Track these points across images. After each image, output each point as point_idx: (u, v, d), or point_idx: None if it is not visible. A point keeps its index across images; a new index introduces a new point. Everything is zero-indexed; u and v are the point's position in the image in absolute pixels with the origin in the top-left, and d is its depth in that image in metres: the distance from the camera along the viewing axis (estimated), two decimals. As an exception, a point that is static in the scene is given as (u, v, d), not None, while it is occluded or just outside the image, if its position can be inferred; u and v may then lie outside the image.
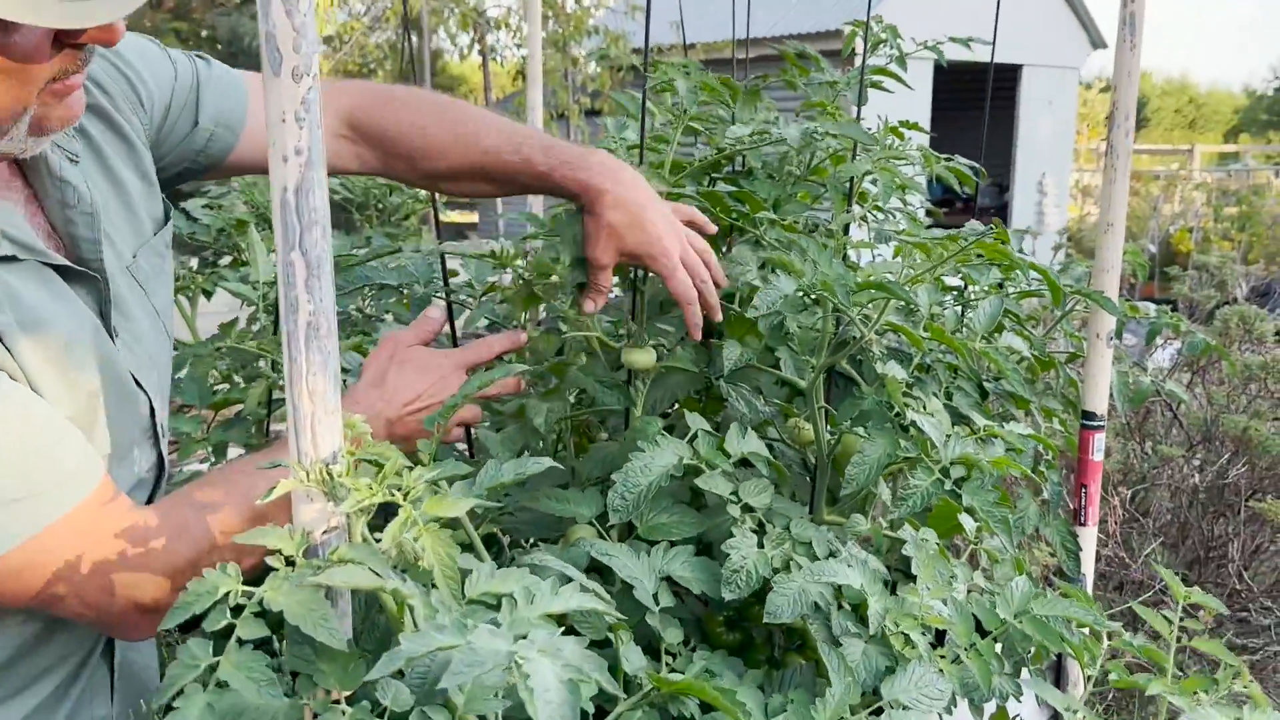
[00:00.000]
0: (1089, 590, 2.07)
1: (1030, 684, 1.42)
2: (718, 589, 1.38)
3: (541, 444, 1.75)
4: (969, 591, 1.56)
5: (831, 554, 1.49)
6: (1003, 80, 12.72)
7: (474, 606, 0.85)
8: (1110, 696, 2.57)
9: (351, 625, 0.94)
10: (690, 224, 1.55)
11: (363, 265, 1.64)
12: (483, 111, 1.54)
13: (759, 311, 1.34)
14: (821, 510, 1.63)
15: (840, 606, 1.44)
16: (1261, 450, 3.38)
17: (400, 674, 0.85)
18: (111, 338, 1.24)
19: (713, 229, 1.59)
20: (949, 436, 1.47)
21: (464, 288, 1.69)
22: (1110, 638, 1.36)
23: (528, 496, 1.50)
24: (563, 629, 0.84)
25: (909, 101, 1.86)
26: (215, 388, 1.87)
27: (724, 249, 1.77)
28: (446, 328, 1.66)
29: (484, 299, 1.58)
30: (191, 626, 0.83)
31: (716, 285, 1.54)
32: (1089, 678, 1.35)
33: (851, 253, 2.00)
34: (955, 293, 1.93)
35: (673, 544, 1.46)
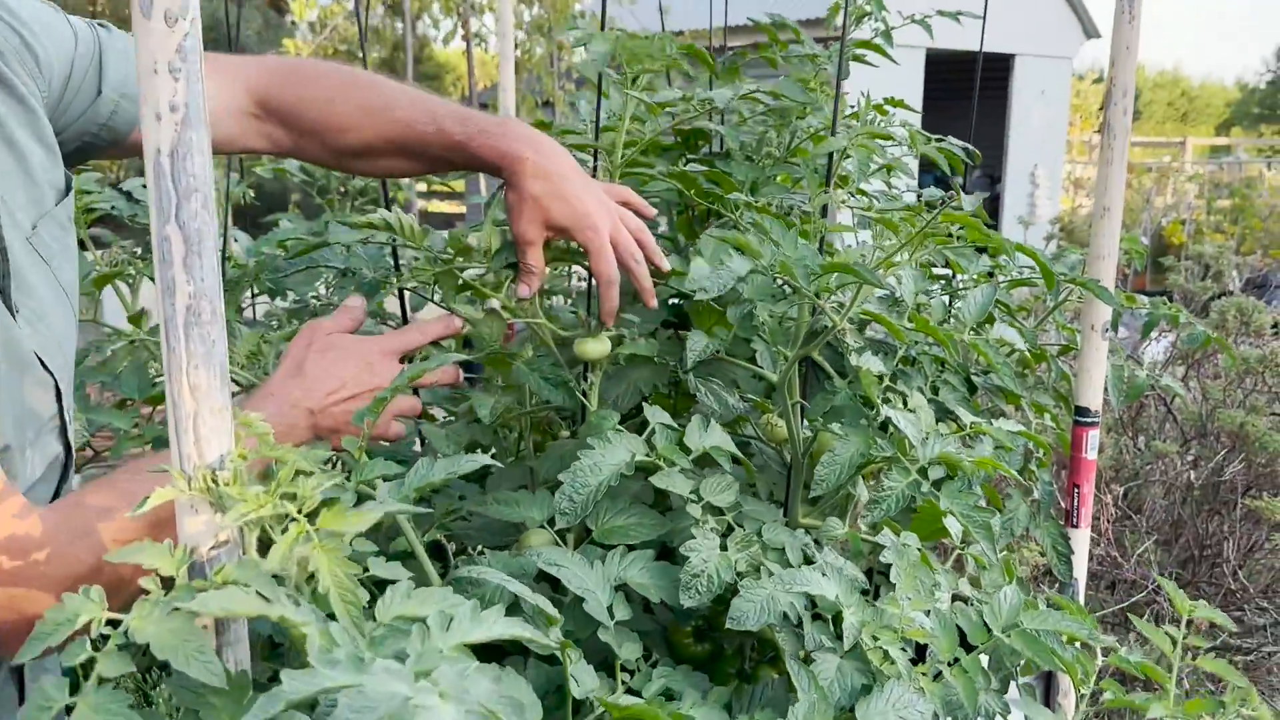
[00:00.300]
0: (1082, 593, 1.97)
1: (1019, 704, 1.31)
2: (679, 596, 1.28)
3: (496, 441, 1.64)
4: (953, 599, 1.46)
5: (807, 560, 1.39)
6: (996, 70, 12.61)
7: (389, 632, 0.75)
8: (1106, 716, 2.48)
9: (250, 652, 0.83)
10: (626, 205, 1.45)
11: (309, 249, 1.52)
12: (398, 84, 1.45)
13: (708, 294, 1.23)
14: (797, 512, 1.52)
15: (816, 617, 1.34)
16: (1258, 446, 3.29)
17: (313, 705, 0.74)
18: (12, 314, 1.13)
19: (651, 212, 1.49)
20: (928, 434, 1.36)
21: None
22: (1105, 653, 1.25)
23: (477, 500, 1.39)
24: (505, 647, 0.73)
25: (900, 91, 1.75)
26: (156, 379, 1.76)
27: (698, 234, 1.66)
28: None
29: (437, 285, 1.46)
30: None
31: (656, 270, 1.44)
32: (1082, 696, 1.25)
33: (837, 242, 1.90)
34: (943, 282, 1.83)
35: (631, 548, 1.35)
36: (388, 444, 1.41)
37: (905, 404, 1.45)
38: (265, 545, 0.81)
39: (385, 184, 1.65)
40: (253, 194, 2.05)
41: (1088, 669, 1.22)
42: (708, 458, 1.41)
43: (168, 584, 0.78)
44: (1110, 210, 1.74)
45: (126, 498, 0.98)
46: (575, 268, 1.67)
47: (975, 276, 1.71)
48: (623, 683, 1.20)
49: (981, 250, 1.88)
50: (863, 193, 1.77)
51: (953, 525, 1.39)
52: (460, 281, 1.43)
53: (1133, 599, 3.33)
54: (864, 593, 1.32)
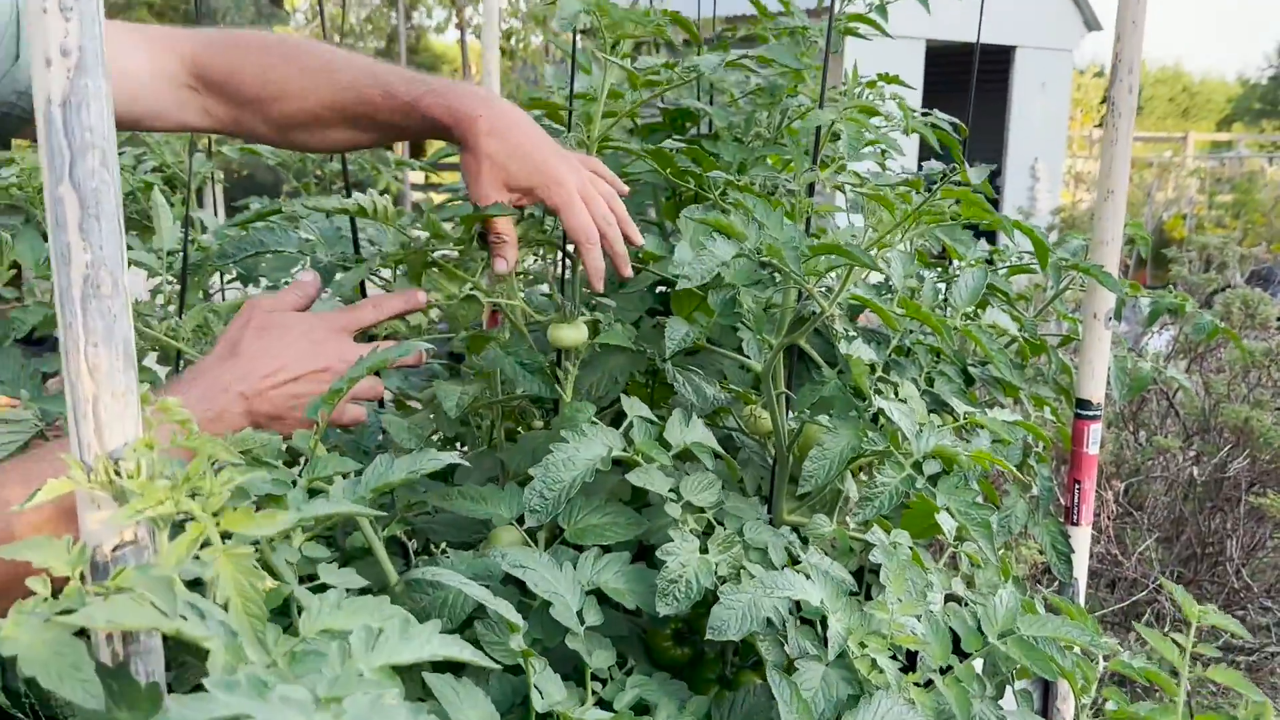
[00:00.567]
0: (1082, 594, 1.89)
1: (1016, 714, 1.24)
2: (656, 603, 1.20)
3: (466, 431, 1.56)
4: (946, 600, 1.38)
5: (792, 560, 1.31)
6: (996, 62, 12.50)
7: (312, 648, 0.66)
8: None
9: (163, 660, 0.75)
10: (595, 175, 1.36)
11: (253, 229, 1.44)
12: (342, 51, 1.35)
13: (691, 280, 1.14)
14: (782, 509, 1.44)
15: (802, 621, 1.26)
16: (1263, 442, 3.21)
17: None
18: None
19: (624, 188, 1.39)
20: (922, 426, 1.28)
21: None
22: (1107, 659, 1.17)
23: (441, 494, 1.31)
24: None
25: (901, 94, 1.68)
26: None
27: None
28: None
29: (400, 270, 1.38)
30: None
31: (628, 240, 1.34)
32: (1083, 706, 1.17)
33: (826, 225, 1.82)
34: (939, 269, 1.75)
35: (606, 549, 1.27)
36: (344, 431, 1.33)
37: (897, 394, 1.37)
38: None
39: (346, 165, 1.56)
40: (221, 174, 1.98)
41: (1089, 677, 1.14)
42: (687, 451, 1.33)
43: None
44: (1115, 193, 1.66)
45: (35, 483, 0.90)
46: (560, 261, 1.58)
47: (973, 262, 1.63)
48: (593, 693, 1.12)
49: (979, 235, 1.80)
50: (857, 176, 1.69)
51: (946, 522, 1.31)
52: (429, 262, 1.35)
53: (1133, 598, 3.26)
54: (852, 594, 1.24)
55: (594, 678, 1.14)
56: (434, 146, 1.99)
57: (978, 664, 1.27)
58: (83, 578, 0.66)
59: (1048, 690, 1.80)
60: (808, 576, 1.20)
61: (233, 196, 2.25)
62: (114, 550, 0.69)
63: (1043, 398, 1.89)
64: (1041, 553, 2.48)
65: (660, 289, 1.68)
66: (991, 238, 2.29)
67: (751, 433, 1.53)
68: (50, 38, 0.63)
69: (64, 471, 0.78)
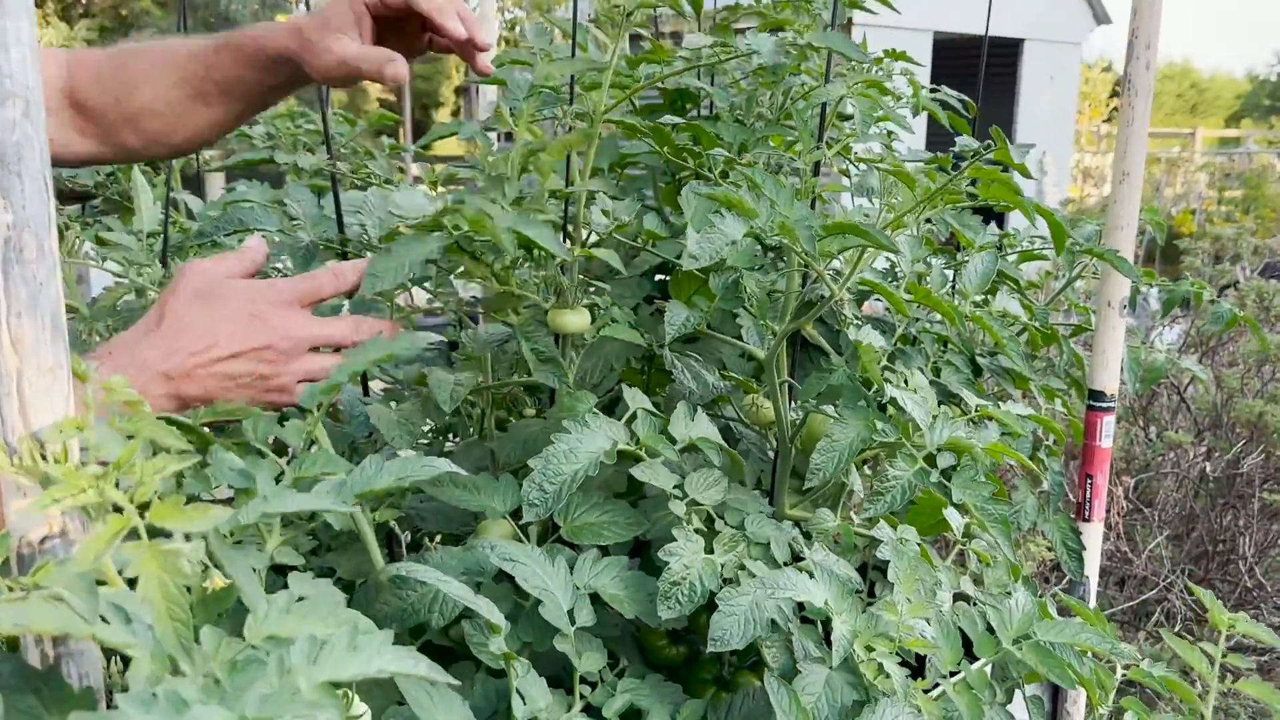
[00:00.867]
0: (1093, 592, 1.82)
1: (1029, 722, 1.17)
2: (657, 609, 1.13)
3: (454, 422, 1.49)
4: (955, 600, 1.31)
5: (795, 557, 1.25)
6: (1004, 55, 12.41)
7: (255, 655, 0.60)
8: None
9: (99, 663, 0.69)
10: None
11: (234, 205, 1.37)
12: (177, 36, 1.30)
13: (699, 260, 1.07)
14: (784, 502, 1.38)
15: (804, 621, 1.20)
16: (1277, 438, 3.13)
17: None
18: None
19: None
20: (935, 417, 1.21)
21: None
22: (1126, 668, 1.11)
23: (431, 480, 1.24)
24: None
25: (905, 82, 1.61)
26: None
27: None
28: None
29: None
30: None
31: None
32: (1100, 716, 1.10)
33: (836, 209, 1.75)
34: (947, 257, 1.68)
35: (604, 550, 1.20)
36: (333, 417, 1.25)
37: (906, 384, 1.30)
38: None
39: (330, 139, 1.50)
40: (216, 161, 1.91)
41: (1106, 686, 1.07)
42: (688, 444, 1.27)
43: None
44: (1130, 175, 1.59)
45: None
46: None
47: (983, 247, 1.56)
48: (582, 697, 1.06)
49: (987, 220, 1.73)
50: (867, 156, 1.63)
51: (954, 518, 1.24)
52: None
53: (1143, 596, 3.19)
54: (857, 593, 1.18)
55: (584, 680, 1.08)
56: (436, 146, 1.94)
57: (987, 668, 1.21)
58: (4, 571, 0.60)
59: (1057, 695, 1.74)
60: (811, 575, 1.13)
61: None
62: (42, 542, 0.62)
63: (1053, 389, 1.82)
64: (1050, 549, 2.41)
65: (659, 276, 1.61)
66: (999, 223, 2.23)
67: (752, 423, 1.47)
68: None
69: None
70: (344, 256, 1.39)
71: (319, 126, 2.15)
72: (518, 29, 9.46)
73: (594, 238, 1.45)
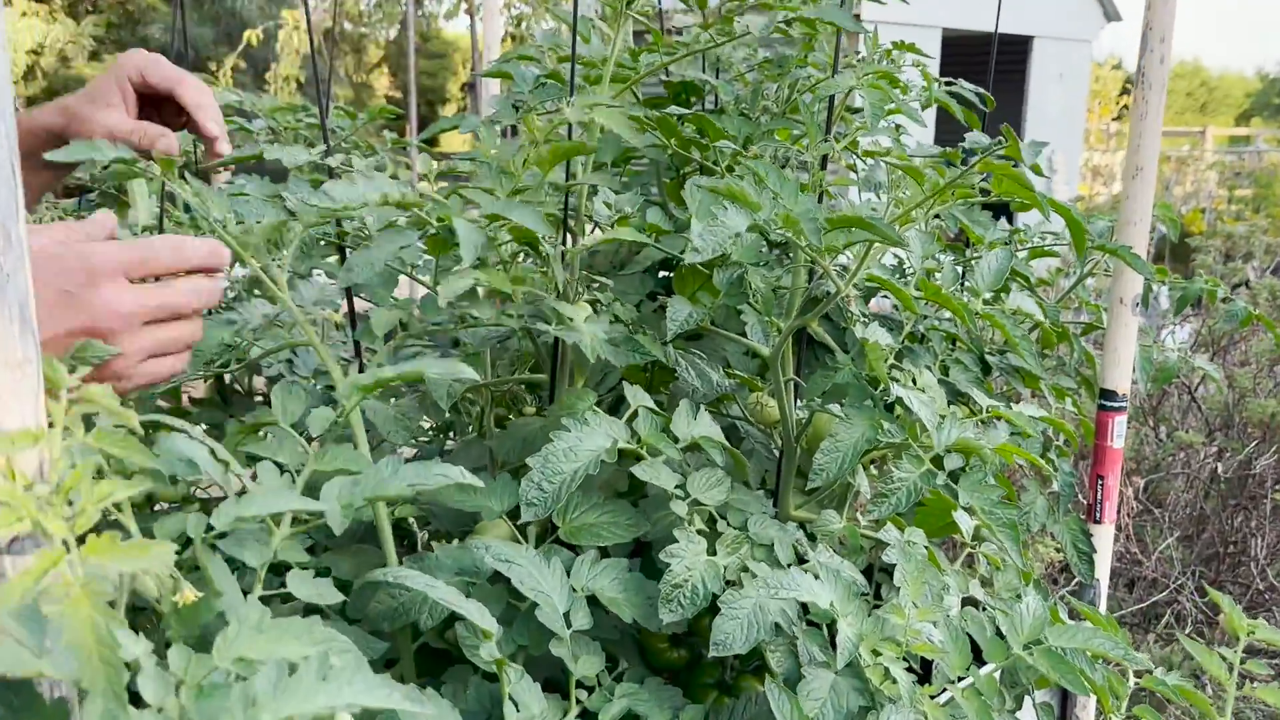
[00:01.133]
0: (1104, 596, 1.79)
1: (1039, 732, 1.14)
2: (657, 615, 1.10)
3: (453, 420, 1.47)
4: (963, 604, 1.28)
5: (799, 559, 1.22)
6: (1013, 52, 12.34)
7: (218, 683, 0.57)
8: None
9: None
10: None
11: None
12: None
13: (702, 254, 1.04)
14: (788, 503, 1.35)
15: (808, 624, 1.17)
16: (1290, 438, 3.10)
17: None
18: None
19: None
20: (943, 418, 1.18)
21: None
22: (1139, 675, 1.08)
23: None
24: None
25: (915, 71, 1.57)
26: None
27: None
28: (344, 308, 1.36)
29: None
30: None
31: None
32: (1113, 724, 1.07)
33: (843, 204, 1.72)
34: (956, 253, 1.65)
35: (603, 552, 1.18)
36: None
37: (914, 383, 1.27)
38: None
39: (326, 133, 1.47)
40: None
41: (1120, 693, 1.04)
42: (691, 442, 1.24)
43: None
44: (1144, 170, 1.56)
45: None
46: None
47: (994, 244, 1.53)
48: (578, 702, 1.03)
49: (997, 215, 1.70)
50: (875, 150, 1.59)
51: (963, 520, 1.21)
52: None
53: (1153, 599, 3.16)
54: (863, 596, 1.15)
55: (581, 685, 1.05)
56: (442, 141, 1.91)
57: (996, 674, 1.18)
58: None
59: (1066, 701, 1.71)
60: (816, 577, 1.11)
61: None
62: (9, 544, 0.60)
63: (1064, 389, 1.79)
64: (1059, 551, 2.38)
65: (662, 273, 1.59)
66: (1009, 219, 2.19)
67: (756, 422, 1.44)
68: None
69: None
70: (341, 250, 1.36)
71: (320, 120, 2.13)
72: (523, 25, 9.44)
73: (597, 232, 1.42)
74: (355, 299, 1.37)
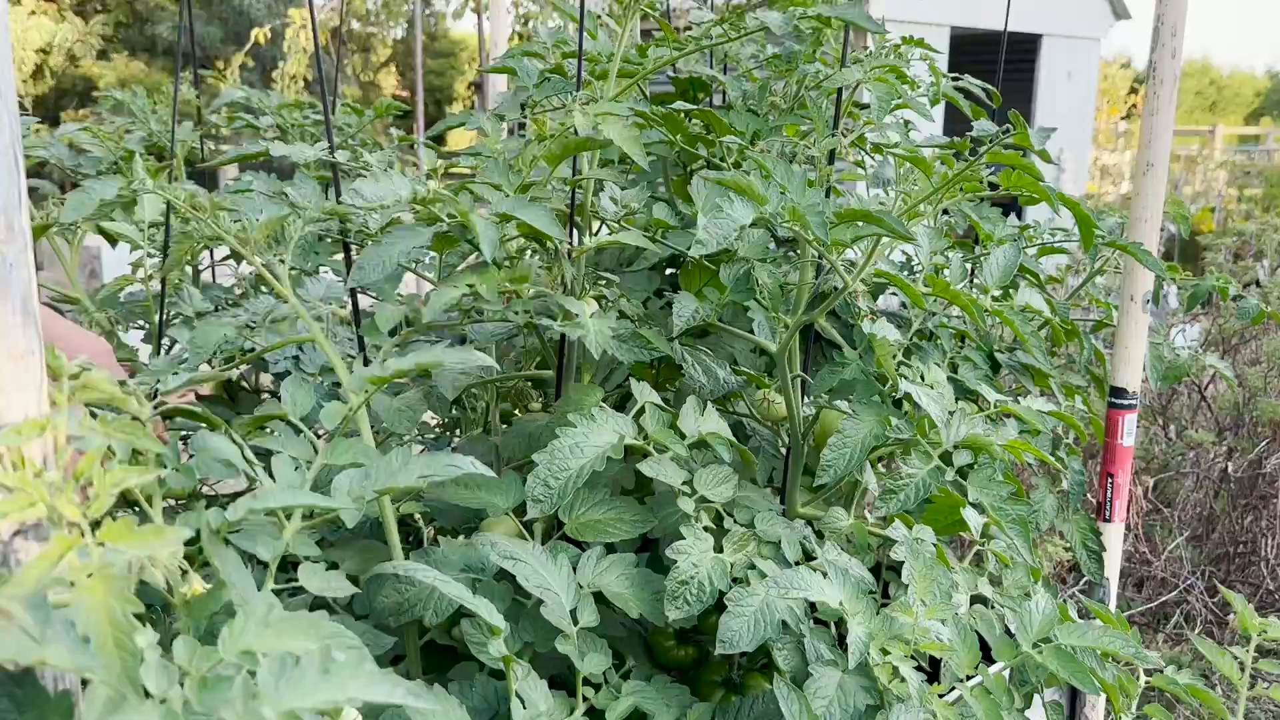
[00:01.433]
0: (1113, 595, 1.78)
1: (1049, 730, 1.13)
2: (663, 611, 1.10)
3: (462, 413, 1.46)
4: (972, 602, 1.28)
5: (806, 556, 1.21)
6: (1022, 50, 12.30)
7: (225, 674, 0.56)
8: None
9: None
10: None
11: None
12: None
13: (707, 246, 1.03)
14: (795, 501, 1.34)
15: (816, 622, 1.16)
16: (1300, 437, 3.08)
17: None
18: None
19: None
20: (952, 414, 1.18)
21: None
22: (1149, 673, 1.07)
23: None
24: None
25: (924, 69, 1.56)
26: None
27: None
28: (349, 304, 1.35)
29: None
30: None
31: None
32: (1123, 722, 1.06)
33: (851, 199, 1.71)
34: (964, 250, 1.65)
35: (609, 548, 1.17)
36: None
37: (923, 379, 1.26)
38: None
39: (331, 131, 1.47)
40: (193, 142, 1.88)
41: (1130, 692, 1.03)
42: (698, 439, 1.23)
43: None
44: (1155, 166, 1.55)
45: None
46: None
47: (1003, 240, 1.52)
48: (585, 699, 1.02)
49: (1006, 212, 1.69)
50: (883, 145, 1.58)
51: (972, 518, 1.20)
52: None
53: (1162, 598, 3.14)
54: (870, 594, 1.14)
55: (587, 682, 1.04)
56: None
57: (1005, 672, 1.17)
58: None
59: (1075, 700, 1.70)
60: (824, 575, 1.10)
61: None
62: (13, 536, 0.59)
63: (1073, 386, 1.78)
64: (1068, 550, 2.36)
65: (669, 270, 1.58)
66: (1018, 216, 2.18)
67: (764, 419, 1.43)
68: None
69: None
70: (345, 248, 1.36)
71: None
72: (530, 24, 9.44)
73: (604, 231, 1.41)
74: (359, 295, 1.36)
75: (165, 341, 1.60)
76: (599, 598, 1.10)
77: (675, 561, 1.11)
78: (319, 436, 0.97)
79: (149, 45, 14.45)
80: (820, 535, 1.27)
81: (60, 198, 1.68)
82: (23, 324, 0.58)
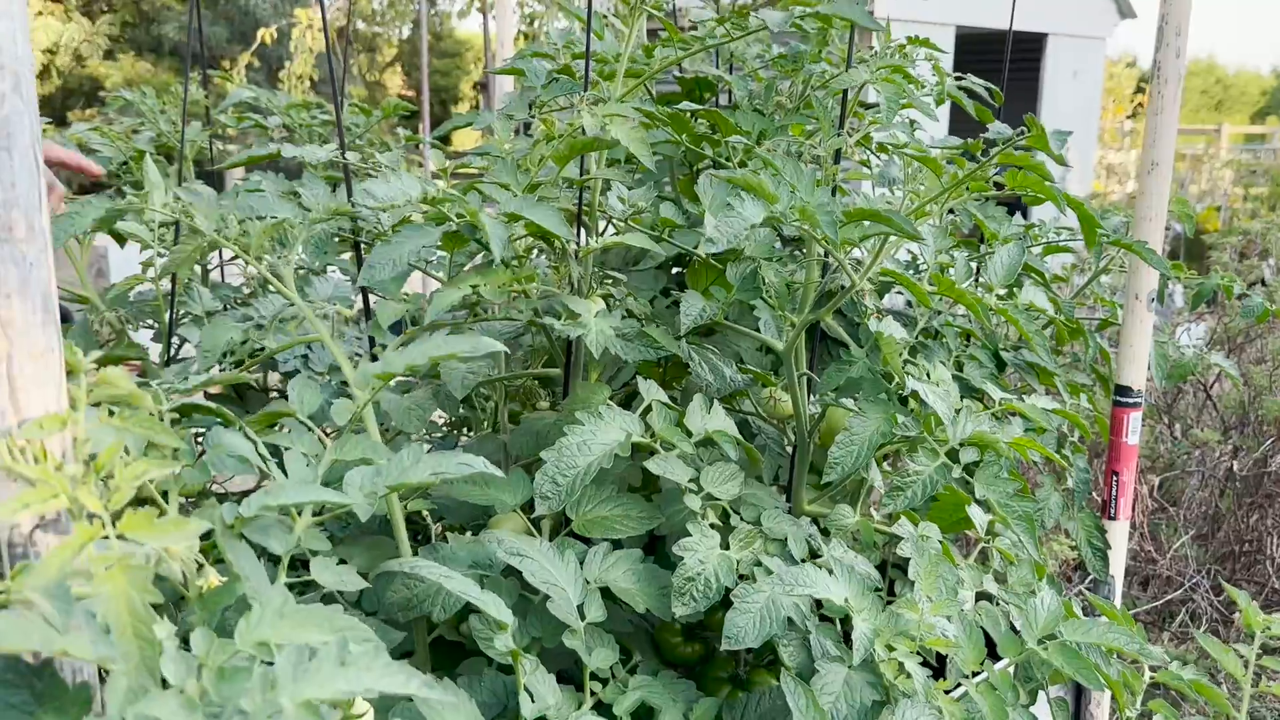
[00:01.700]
0: (1118, 592, 1.79)
1: (1054, 725, 1.14)
2: (669, 606, 1.10)
3: (471, 412, 1.47)
4: (977, 599, 1.28)
5: (813, 554, 1.22)
6: (1027, 49, 12.28)
7: (242, 665, 0.57)
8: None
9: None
10: None
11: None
12: None
13: (717, 244, 1.04)
14: (801, 498, 1.35)
15: (821, 619, 1.17)
16: (1305, 436, 3.08)
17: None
18: None
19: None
20: (959, 411, 1.18)
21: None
22: (1154, 670, 1.08)
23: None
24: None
25: (929, 68, 1.57)
26: (106, 342, 1.61)
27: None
28: (359, 304, 1.37)
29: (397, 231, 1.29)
30: None
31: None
32: (1129, 718, 1.07)
33: (857, 198, 1.72)
34: (969, 249, 1.65)
35: (616, 544, 1.18)
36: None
37: (929, 377, 1.27)
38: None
39: (342, 131, 1.48)
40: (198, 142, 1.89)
41: (1135, 688, 1.04)
42: (705, 437, 1.24)
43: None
44: (1160, 165, 1.56)
45: None
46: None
47: (1008, 239, 1.52)
48: (592, 694, 1.03)
49: (1011, 211, 1.70)
50: (891, 145, 1.59)
51: (977, 515, 1.21)
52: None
53: (1168, 596, 3.14)
54: (876, 591, 1.15)
55: (594, 677, 1.05)
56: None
57: (1010, 668, 1.18)
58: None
59: (1080, 696, 1.71)
60: (830, 572, 1.11)
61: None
62: (33, 529, 0.60)
63: (1079, 385, 1.79)
64: (1074, 548, 2.37)
65: (675, 269, 1.59)
66: (1024, 216, 2.18)
67: (770, 417, 1.44)
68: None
69: None
70: (356, 247, 1.37)
71: (334, 117, 2.13)
72: (536, 23, 9.45)
73: (610, 231, 1.42)
74: (368, 294, 1.37)
75: (175, 340, 1.61)
76: (606, 594, 1.11)
77: (682, 558, 1.12)
78: (327, 435, 0.98)
79: (155, 45, 14.47)
80: (826, 533, 1.28)
81: (71, 197, 1.69)
82: (43, 323, 0.59)
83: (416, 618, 1.05)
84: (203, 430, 1.42)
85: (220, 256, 1.94)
